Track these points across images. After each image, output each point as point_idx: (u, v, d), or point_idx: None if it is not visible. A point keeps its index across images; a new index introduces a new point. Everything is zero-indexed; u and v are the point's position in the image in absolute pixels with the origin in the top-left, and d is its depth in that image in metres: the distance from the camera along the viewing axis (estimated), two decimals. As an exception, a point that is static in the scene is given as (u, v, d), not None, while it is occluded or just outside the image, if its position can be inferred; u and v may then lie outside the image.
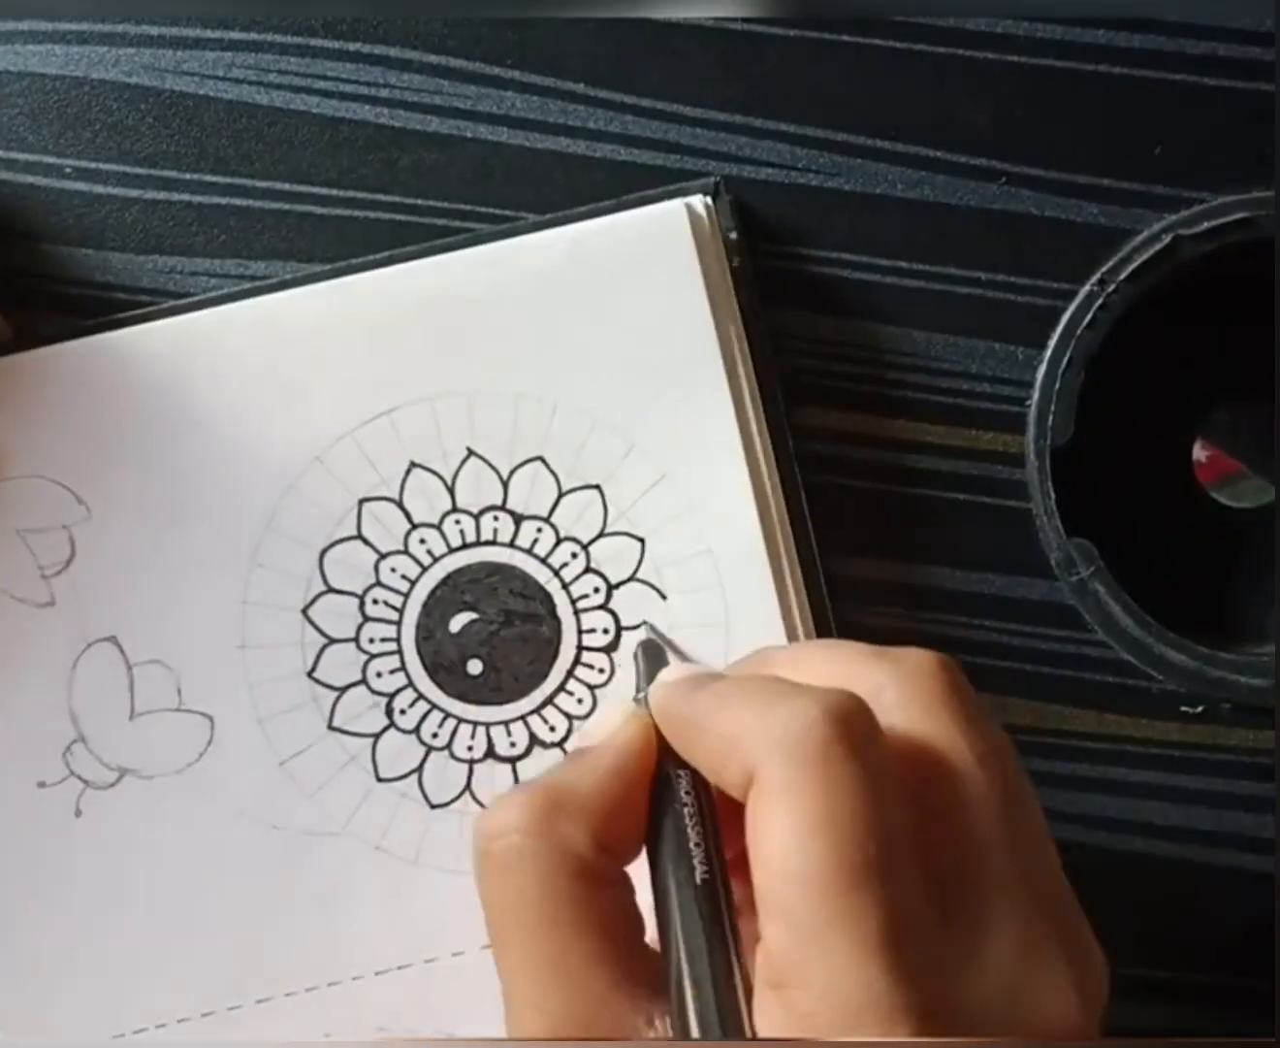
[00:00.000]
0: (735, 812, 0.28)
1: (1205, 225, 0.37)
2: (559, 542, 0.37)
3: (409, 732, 0.37)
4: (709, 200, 0.37)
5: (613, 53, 0.38)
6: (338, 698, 0.37)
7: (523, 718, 0.37)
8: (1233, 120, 0.38)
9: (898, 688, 0.28)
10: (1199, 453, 0.39)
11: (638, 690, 0.35)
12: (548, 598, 0.37)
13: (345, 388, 0.37)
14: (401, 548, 0.37)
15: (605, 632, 0.37)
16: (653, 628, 0.37)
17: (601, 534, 0.37)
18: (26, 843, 0.37)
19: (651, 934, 0.29)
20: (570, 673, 0.37)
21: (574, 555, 0.37)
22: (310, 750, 0.37)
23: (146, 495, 0.37)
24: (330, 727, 0.37)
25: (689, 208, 0.37)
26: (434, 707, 0.37)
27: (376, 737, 0.37)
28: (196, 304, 0.37)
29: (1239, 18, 0.37)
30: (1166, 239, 0.37)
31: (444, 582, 0.37)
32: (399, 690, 0.37)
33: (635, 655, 0.36)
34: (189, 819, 0.37)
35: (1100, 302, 0.37)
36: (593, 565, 0.37)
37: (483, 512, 0.37)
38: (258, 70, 0.38)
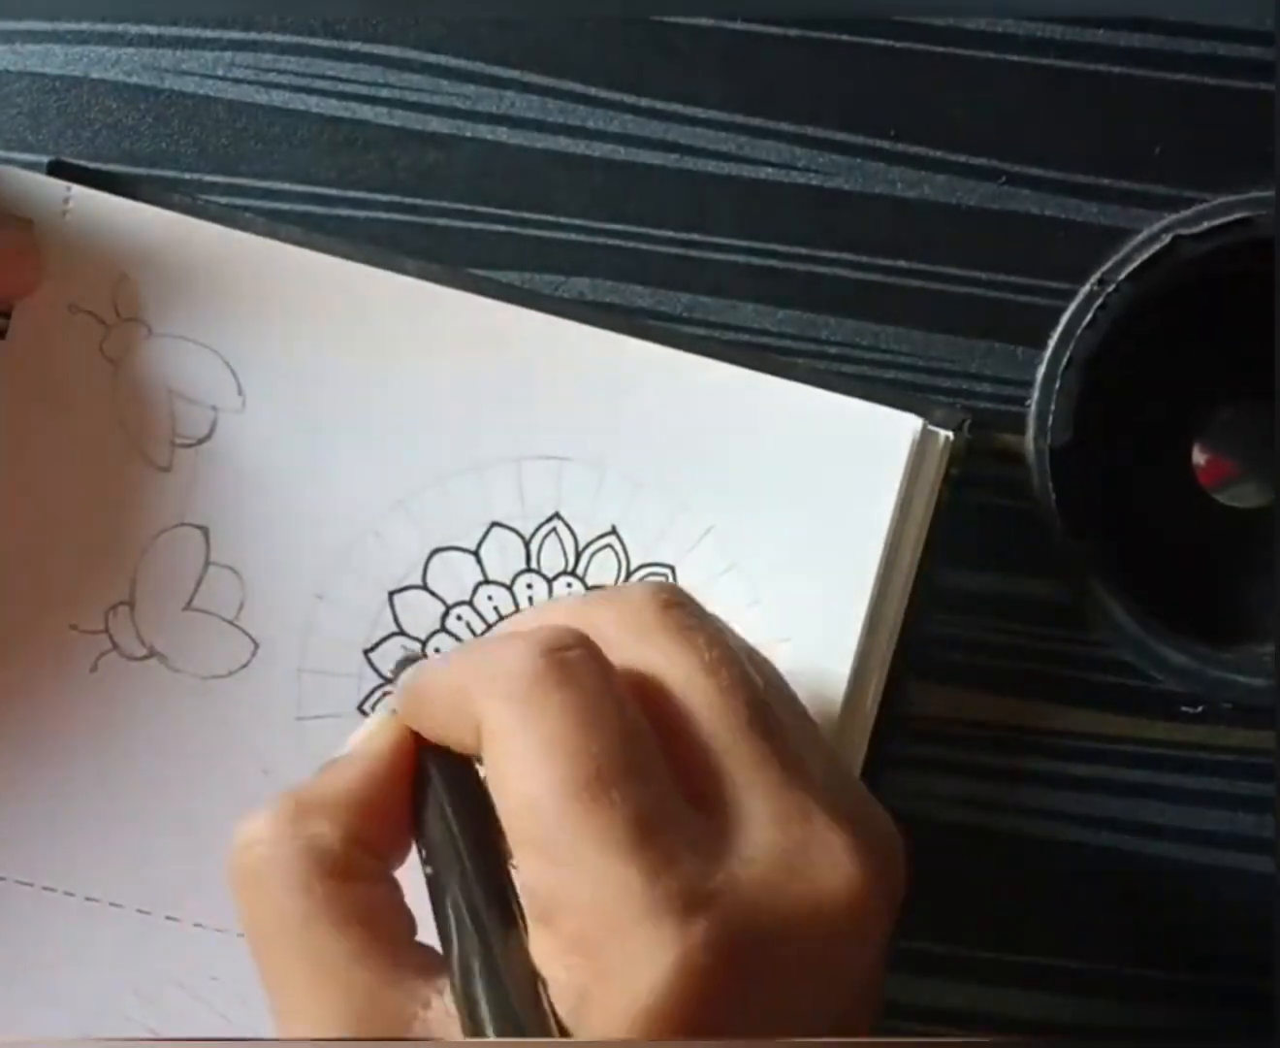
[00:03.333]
0: None
1: (1205, 225, 0.37)
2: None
3: None
4: (949, 435, 0.37)
5: (612, 52, 0.38)
6: (380, 686, 0.37)
7: None
8: (1233, 120, 0.38)
9: (614, 623, 0.29)
10: (1199, 453, 0.39)
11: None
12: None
13: (507, 415, 0.37)
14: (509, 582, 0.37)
15: None
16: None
17: (629, 575, 0.37)
18: (37, 673, 0.36)
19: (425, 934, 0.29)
20: None
21: None
22: (333, 720, 0.37)
23: (300, 421, 0.36)
24: (360, 709, 0.37)
25: (922, 431, 0.36)
26: None
27: None
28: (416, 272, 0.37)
29: (1239, 17, 0.37)
30: (1166, 239, 0.37)
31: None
32: None
33: (395, 671, 0.36)
34: (191, 726, 0.37)
35: (1100, 301, 0.37)
36: None
37: (595, 587, 0.37)
38: (257, 70, 0.38)
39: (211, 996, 0.37)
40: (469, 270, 0.37)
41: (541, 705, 0.26)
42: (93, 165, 0.37)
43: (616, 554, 0.37)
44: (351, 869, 0.28)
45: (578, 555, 0.37)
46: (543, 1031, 0.25)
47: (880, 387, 0.38)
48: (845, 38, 0.38)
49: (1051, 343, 0.38)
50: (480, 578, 0.37)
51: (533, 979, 0.26)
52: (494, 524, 0.37)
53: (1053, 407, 0.38)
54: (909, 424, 0.36)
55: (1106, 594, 0.38)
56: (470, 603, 0.37)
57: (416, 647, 0.37)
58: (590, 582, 0.37)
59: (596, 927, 0.25)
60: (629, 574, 0.37)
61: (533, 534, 0.37)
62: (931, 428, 0.36)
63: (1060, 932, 0.38)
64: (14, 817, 0.37)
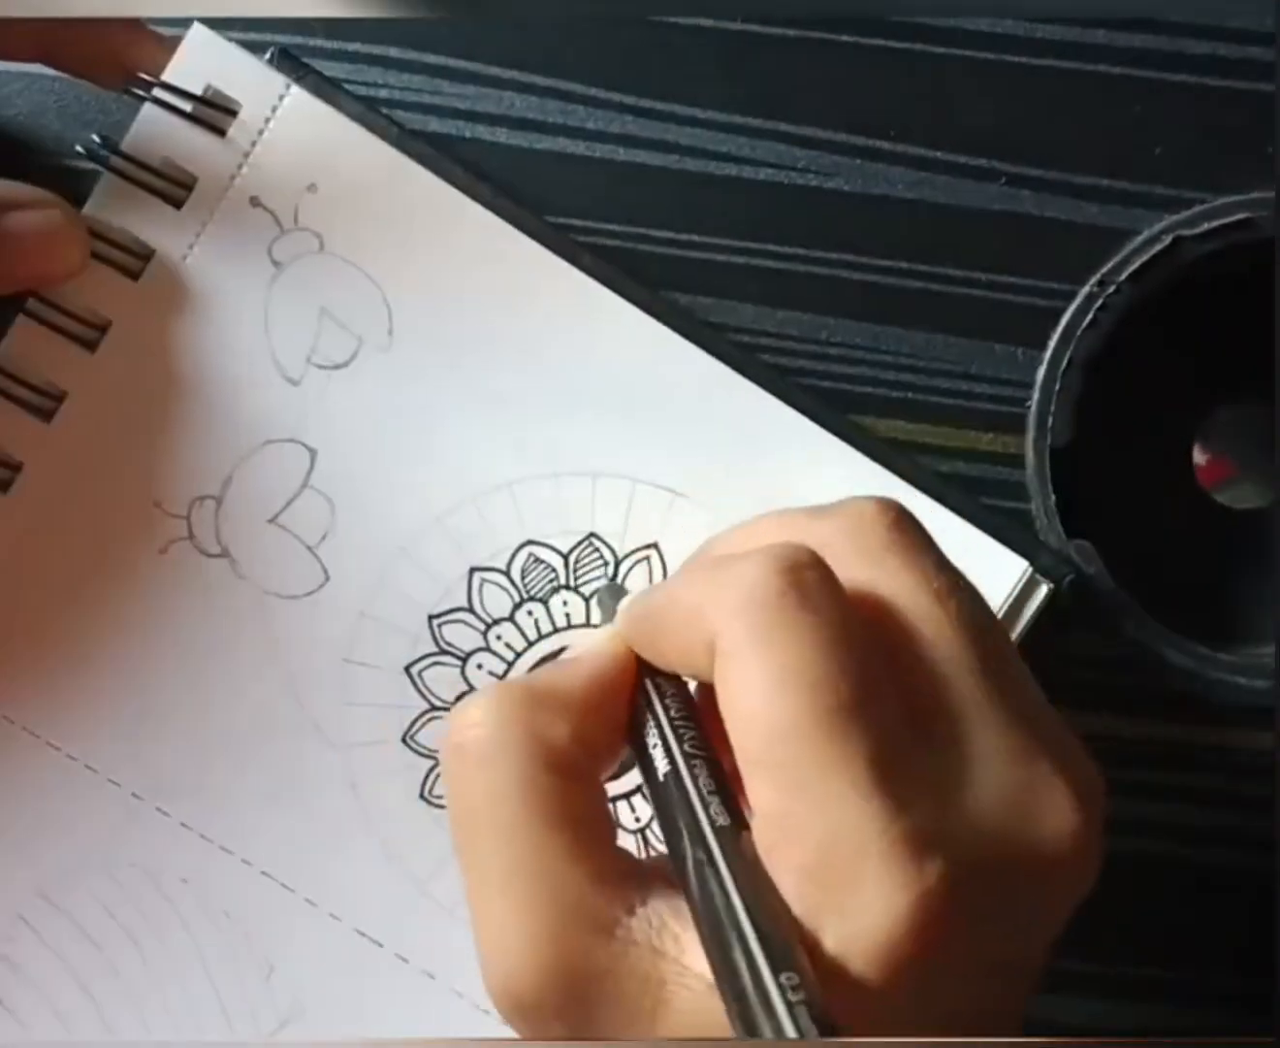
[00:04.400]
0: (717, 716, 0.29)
1: (1206, 226, 0.37)
2: None
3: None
4: (1049, 588, 0.36)
5: (612, 53, 0.38)
6: (434, 654, 0.37)
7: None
8: (1233, 120, 0.38)
9: (841, 540, 0.28)
10: (1199, 454, 0.39)
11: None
12: None
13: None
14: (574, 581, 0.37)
15: None
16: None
17: None
18: (112, 538, 0.37)
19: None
20: None
21: None
22: (376, 671, 0.37)
23: (437, 378, 0.37)
24: (406, 671, 0.37)
25: (1031, 579, 0.36)
26: None
27: (433, 707, 0.37)
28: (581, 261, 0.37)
29: (1240, 18, 0.37)
30: (1167, 239, 0.37)
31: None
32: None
33: (599, 596, 0.36)
34: (239, 635, 0.37)
35: (1100, 302, 0.37)
36: None
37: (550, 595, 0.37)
38: (257, 70, 0.38)
39: (178, 898, 0.37)
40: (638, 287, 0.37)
41: (782, 629, 0.26)
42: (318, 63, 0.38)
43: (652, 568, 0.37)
44: (573, 768, 0.28)
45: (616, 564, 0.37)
46: (788, 930, 0.24)
47: (998, 517, 0.37)
48: (845, 38, 0.38)
49: (1052, 344, 0.38)
50: (562, 583, 0.37)
51: (770, 883, 0.25)
52: (590, 535, 0.37)
53: (1053, 407, 0.38)
54: (1016, 566, 0.36)
55: (1107, 594, 0.38)
56: (545, 601, 0.37)
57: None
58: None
59: (831, 860, 0.25)
60: (620, 582, 0.37)
61: (570, 550, 0.37)
62: (1036, 577, 0.36)
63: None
64: (46, 670, 0.37)
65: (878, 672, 0.26)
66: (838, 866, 0.24)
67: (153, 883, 0.37)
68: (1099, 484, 0.39)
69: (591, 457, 0.37)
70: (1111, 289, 0.37)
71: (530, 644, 0.37)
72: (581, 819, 0.27)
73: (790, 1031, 0.22)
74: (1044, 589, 0.36)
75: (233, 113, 0.36)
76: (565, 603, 0.37)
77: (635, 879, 0.27)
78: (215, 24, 0.36)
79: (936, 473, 0.38)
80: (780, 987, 0.23)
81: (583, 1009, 0.26)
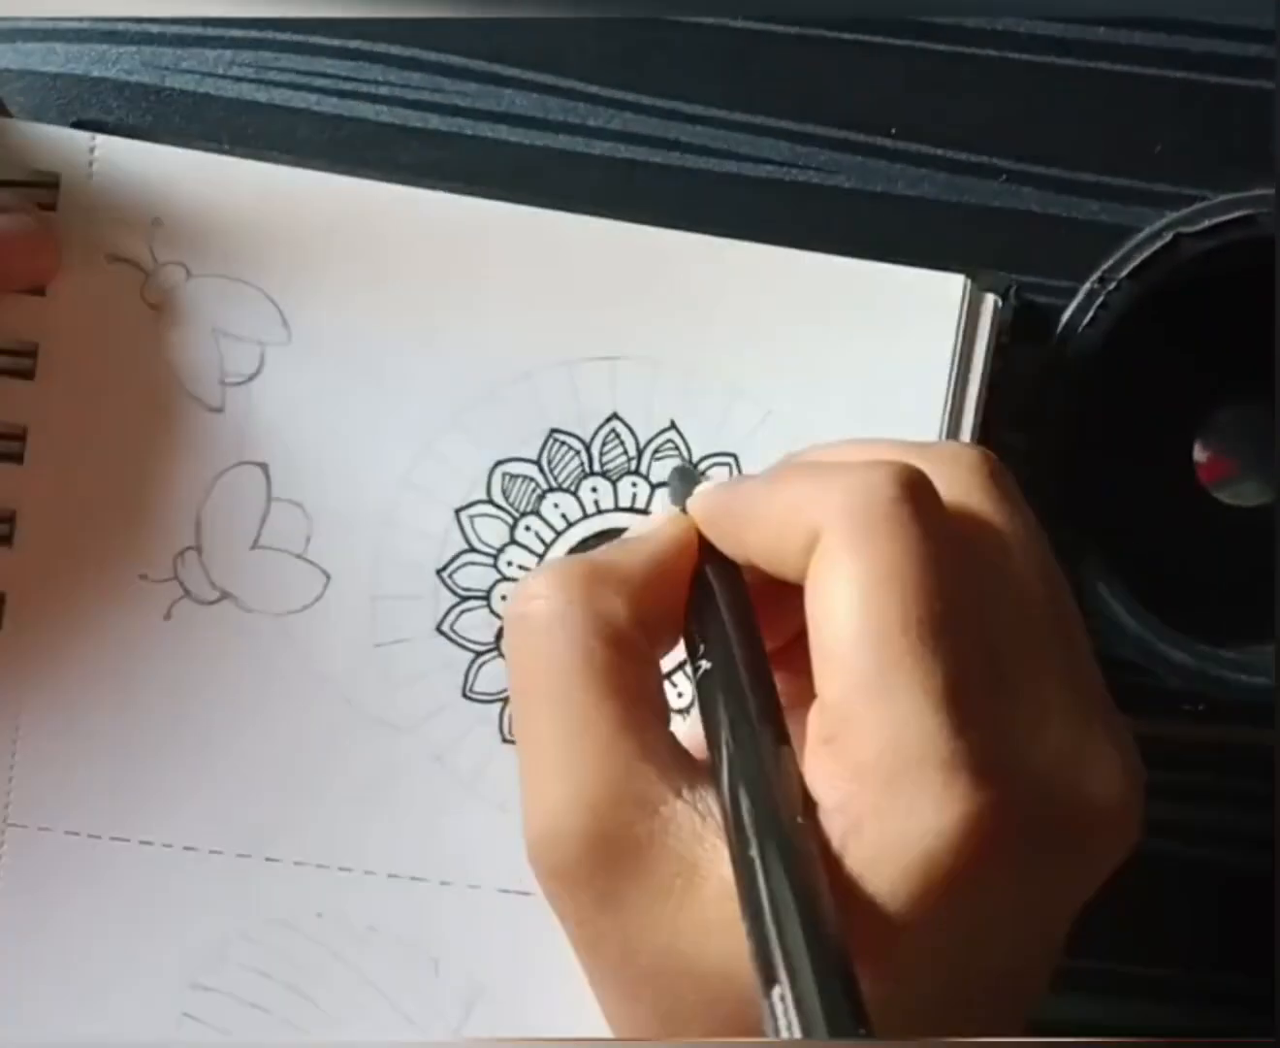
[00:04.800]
0: (776, 608, 0.29)
1: (1206, 223, 0.37)
2: (653, 490, 0.37)
3: None
4: (998, 300, 0.37)
5: (613, 50, 0.38)
6: (456, 604, 0.37)
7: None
8: (1234, 118, 0.38)
9: (941, 477, 0.28)
10: (1200, 451, 0.39)
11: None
12: None
13: (561, 319, 0.37)
14: (572, 489, 0.37)
15: None
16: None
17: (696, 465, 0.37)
18: (110, 625, 0.36)
19: (679, 727, 0.29)
20: (681, 665, 0.37)
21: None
22: (410, 644, 0.37)
23: (348, 347, 0.36)
24: (438, 629, 0.37)
25: (970, 289, 0.36)
26: None
27: (479, 655, 0.37)
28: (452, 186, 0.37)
29: (1240, 15, 0.37)
30: (1168, 237, 0.37)
31: (599, 535, 0.37)
32: None
33: (671, 478, 0.36)
34: (270, 664, 0.37)
35: (1101, 299, 0.37)
36: None
37: (660, 485, 0.37)
38: (258, 68, 0.38)
39: (319, 933, 0.37)
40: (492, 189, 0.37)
41: (891, 534, 0.26)
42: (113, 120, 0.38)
43: (678, 448, 0.37)
44: (631, 645, 0.28)
45: (639, 453, 0.37)
46: (807, 847, 0.25)
47: (923, 251, 0.37)
48: (845, 36, 0.38)
49: (1052, 341, 0.38)
50: (545, 486, 0.37)
51: (803, 794, 0.26)
52: (553, 431, 0.37)
53: (1054, 404, 0.37)
54: (955, 284, 0.36)
55: (1108, 592, 0.38)
56: (537, 512, 0.37)
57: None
58: (654, 478, 0.37)
59: (889, 761, 0.25)
60: (695, 467, 0.37)
61: (592, 437, 0.37)
62: (979, 290, 0.36)
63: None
64: (102, 774, 0.36)
65: (967, 600, 0.26)
66: (894, 769, 0.25)
67: (292, 930, 0.37)
68: (1100, 481, 0.39)
69: (530, 355, 0.37)
70: (1112, 286, 0.37)
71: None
72: (636, 696, 0.28)
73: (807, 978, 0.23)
74: (991, 300, 0.36)
75: (55, 185, 0.36)
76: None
77: (686, 765, 0.27)
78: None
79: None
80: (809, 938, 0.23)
81: (614, 879, 0.26)
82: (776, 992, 0.23)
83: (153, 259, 0.36)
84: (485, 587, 0.37)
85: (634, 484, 0.37)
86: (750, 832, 0.25)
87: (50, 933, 0.37)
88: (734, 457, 0.37)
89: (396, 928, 0.37)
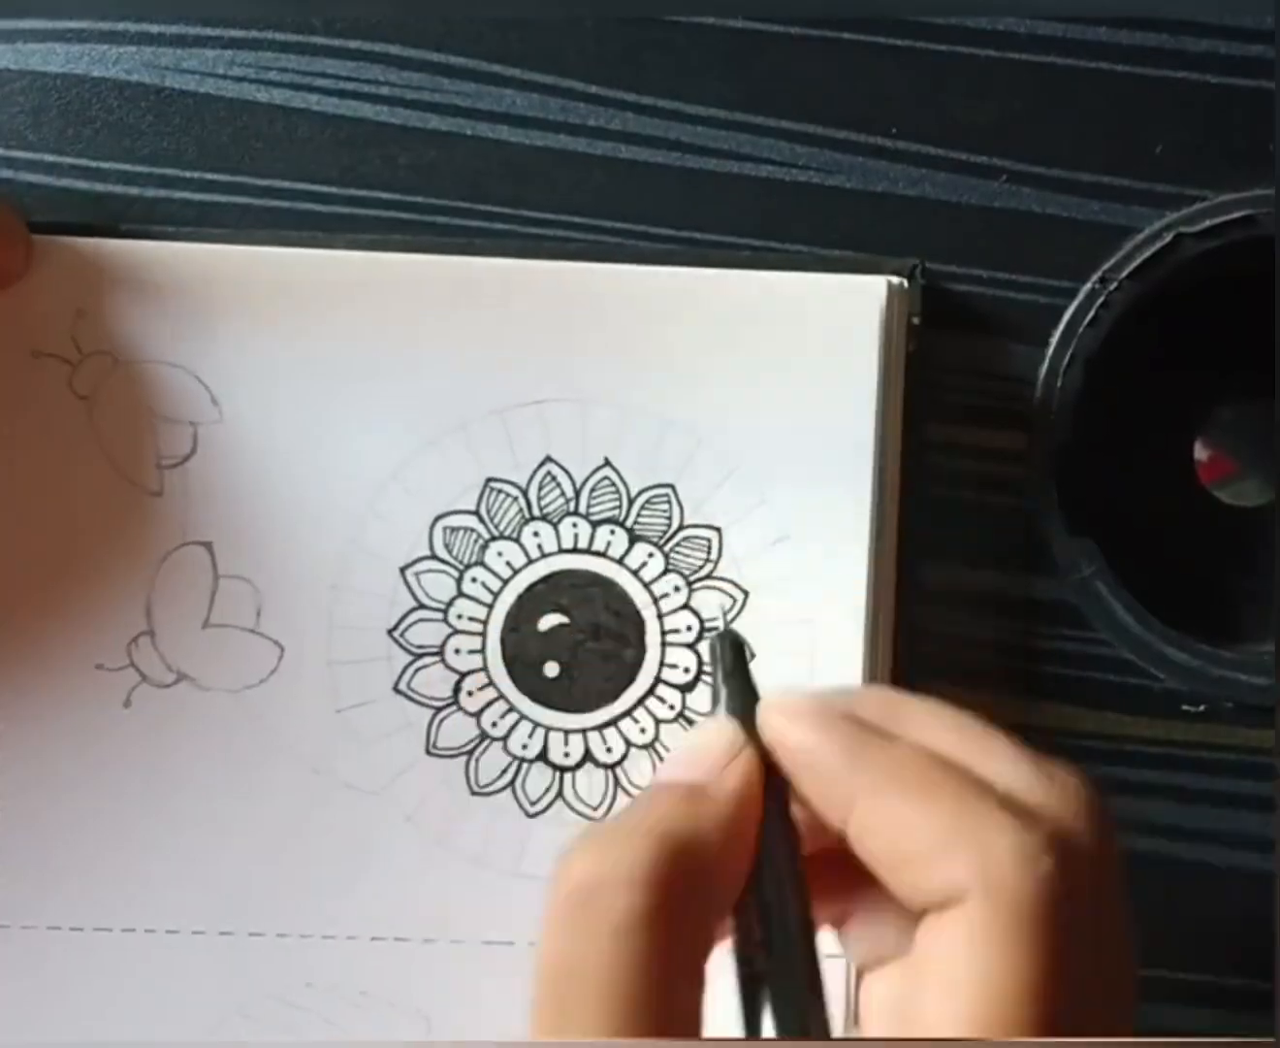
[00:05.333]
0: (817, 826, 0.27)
1: (1207, 223, 0.37)
2: (666, 572, 0.37)
3: (471, 715, 0.37)
4: (904, 282, 0.37)
5: (613, 50, 0.38)
6: (411, 662, 0.37)
7: (583, 731, 0.37)
8: (1234, 118, 0.38)
9: (1059, 812, 0.26)
10: (1200, 451, 0.39)
11: (716, 693, 0.30)
12: (640, 624, 0.37)
13: (489, 365, 0.37)
14: (514, 535, 0.37)
15: (686, 670, 0.37)
16: (726, 620, 0.36)
17: (709, 577, 0.37)
18: (70, 719, 0.37)
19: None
20: (641, 702, 0.37)
21: (676, 589, 0.37)
22: (371, 706, 0.37)
23: (280, 417, 0.37)
24: (396, 689, 0.37)
25: (889, 289, 0.36)
26: (502, 697, 0.37)
27: (438, 710, 0.37)
28: (371, 243, 0.37)
29: (1240, 15, 0.37)
30: (1168, 237, 0.37)
31: (545, 579, 0.37)
32: (472, 671, 0.37)
33: (714, 648, 0.30)
34: (233, 741, 0.37)
35: (1102, 299, 0.37)
36: (691, 605, 0.37)
37: (600, 522, 0.37)
38: (258, 68, 0.38)
39: (314, 1003, 0.37)
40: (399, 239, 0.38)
41: (1036, 938, 0.24)
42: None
43: (614, 484, 0.37)
44: (699, 961, 0.25)
45: (576, 494, 0.37)
46: None
47: (923, 251, 0.38)
48: (846, 36, 0.38)
49: (1053, 340, 0.38)
50: (487, 535, 0.37)
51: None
52: (489, 480, 0.37)
53: (1054, 404, 0.38)
54: (876, 286, 0.36)
55: (1108, 592, 0.37)
56: (482, 562, 0.37)
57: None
58: (594, 516, 0.37)
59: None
60: (630, 501, 0.37)
61: (528, 482, 0.37)
62: (895, 282, 0.36)
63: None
64: (76, 865, 0.37)
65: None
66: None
67: (285, 1002, 0.37)
68: (1101, 481, 0.39)
69: (463, 405, 0.37)
70: (1113, 286, 0.37)
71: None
72: (688, 1023, 0.25)
73: None
74: (888, 284, 0.36)
75: (11, 211, 0.36)
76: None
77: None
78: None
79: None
80: None
81: None
82: None
83: (78, 351, 0.36)
84: (438, 642, 0.37)
85: (574, 524, 0.37)
86: None
87: (45, 1029, 0.37)
88: (671, 486, 0.37)
89: (387, 990, 0.37)
